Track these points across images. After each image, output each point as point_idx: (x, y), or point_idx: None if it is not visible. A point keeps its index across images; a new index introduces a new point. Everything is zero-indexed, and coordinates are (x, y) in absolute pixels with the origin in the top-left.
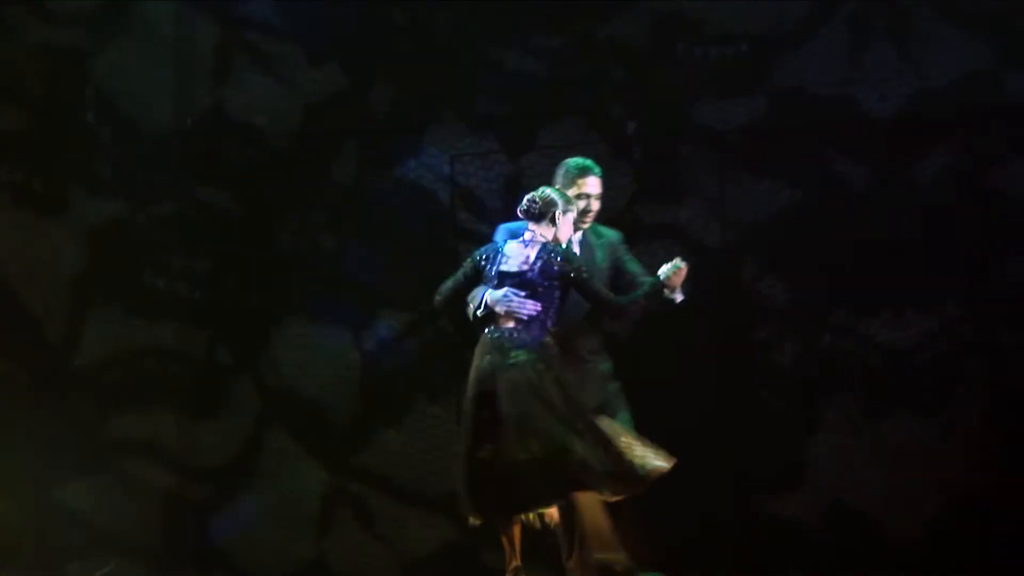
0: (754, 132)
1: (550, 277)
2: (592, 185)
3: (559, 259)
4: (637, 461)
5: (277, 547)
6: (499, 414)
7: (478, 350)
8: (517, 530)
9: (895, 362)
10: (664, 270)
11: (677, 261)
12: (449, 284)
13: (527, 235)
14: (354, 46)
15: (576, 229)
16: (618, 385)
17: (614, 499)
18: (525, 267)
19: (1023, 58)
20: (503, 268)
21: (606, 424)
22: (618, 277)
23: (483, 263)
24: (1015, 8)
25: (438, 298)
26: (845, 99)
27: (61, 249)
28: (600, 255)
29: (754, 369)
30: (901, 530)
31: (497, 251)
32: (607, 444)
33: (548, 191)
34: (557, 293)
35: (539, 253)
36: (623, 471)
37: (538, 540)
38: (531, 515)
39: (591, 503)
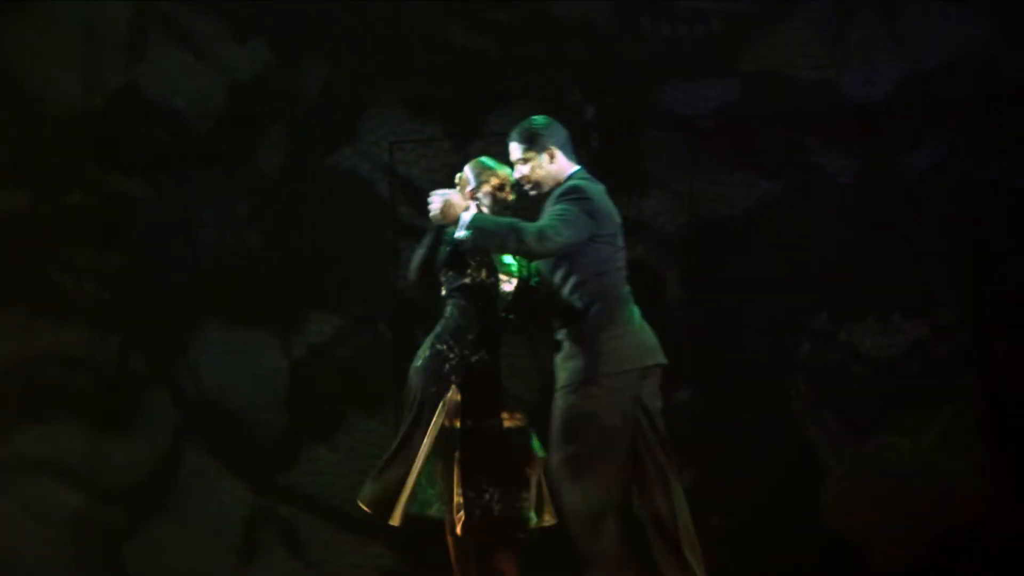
0: (727, 118)
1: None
2: (512, 151)
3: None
4: None
5: (194, 574)
6: None
7: None
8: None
9: (881, 373)
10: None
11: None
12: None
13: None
14: (283, 20)
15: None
16: None
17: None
18: None
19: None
20: None
21: None
22: None
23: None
24: None
25: (410, 274)
26: (827, 83)
27: None
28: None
29: (724, 381)
30: (888, 561)
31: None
32: None
33: (478, 159)
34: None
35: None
36: None
37: None
38: None
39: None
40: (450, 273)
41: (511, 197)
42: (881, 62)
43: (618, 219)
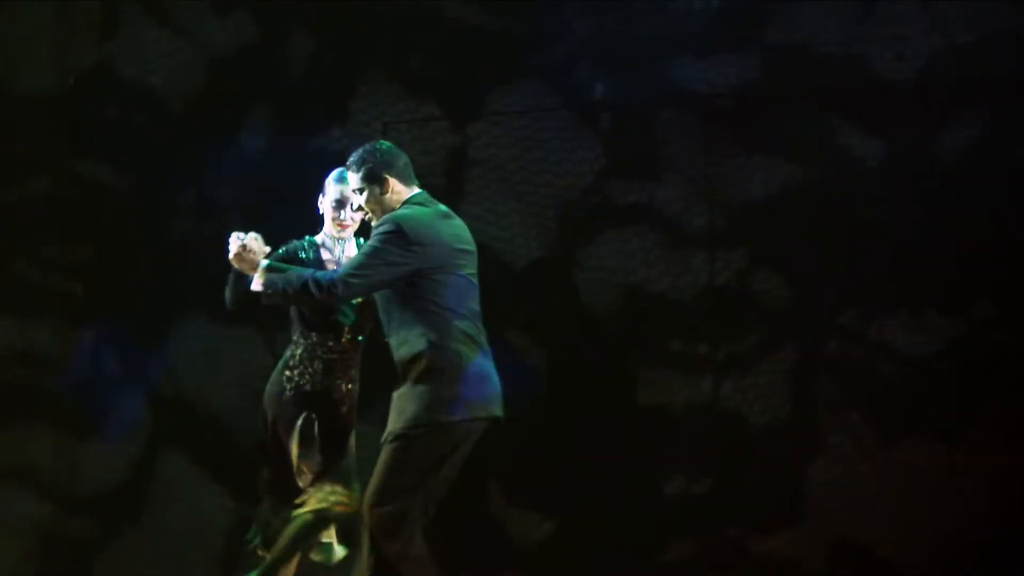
0: (746, 97)
1: None
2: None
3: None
4: None
5: None
6: None
7: None
8: None
9: (913, 373)
10: None
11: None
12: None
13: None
14: None
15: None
16: None
17: None
18: None
19: None
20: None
21: None
22: None
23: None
24: None
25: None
26: (854, 59)
27: None
28: None
29: (745, 381)
30: (915, 572)
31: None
32: None
33: None
34: None
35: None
36: None
37: None
38: None
39: None
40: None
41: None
42: (912, 37)
43: (465, 247)
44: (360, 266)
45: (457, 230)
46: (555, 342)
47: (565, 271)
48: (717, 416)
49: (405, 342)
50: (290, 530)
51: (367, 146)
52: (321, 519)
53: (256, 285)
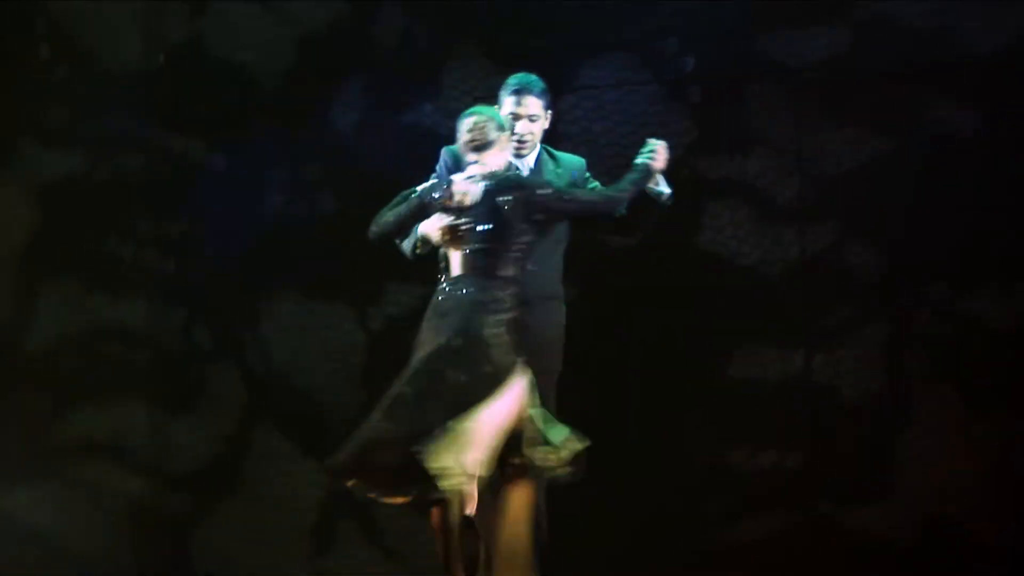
0: (836, 69)
1: (529, 213)
2: (530, 106)
3: (532, 187)
4: None
5: (267, 566)
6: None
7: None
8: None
9: (1003, 346)
10: (641, 157)
11: (650, 142)
12: (390, 216)
13: (474, 169)
14: None
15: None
16: None
17: None
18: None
19: None
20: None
21: None
22: None
23: (432, 198)
24: None
25: (374, 229)
26: (945, 29)
27: (8, 211)
28: (561, 185)
29: (836, 354)
30: (1007, 546)
31: (446, 185)
32: None
33: (484, 113)
34: (528, 237)
35: (499, 186)
36: None
37: None
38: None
39: None
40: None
41: None
42: (1005, 5)
43: None
44: None
45: None
46: (645, 316)
47: (656, 246)
48: (808, 390)
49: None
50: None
51: (533, 76)
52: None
53: (666, 189)
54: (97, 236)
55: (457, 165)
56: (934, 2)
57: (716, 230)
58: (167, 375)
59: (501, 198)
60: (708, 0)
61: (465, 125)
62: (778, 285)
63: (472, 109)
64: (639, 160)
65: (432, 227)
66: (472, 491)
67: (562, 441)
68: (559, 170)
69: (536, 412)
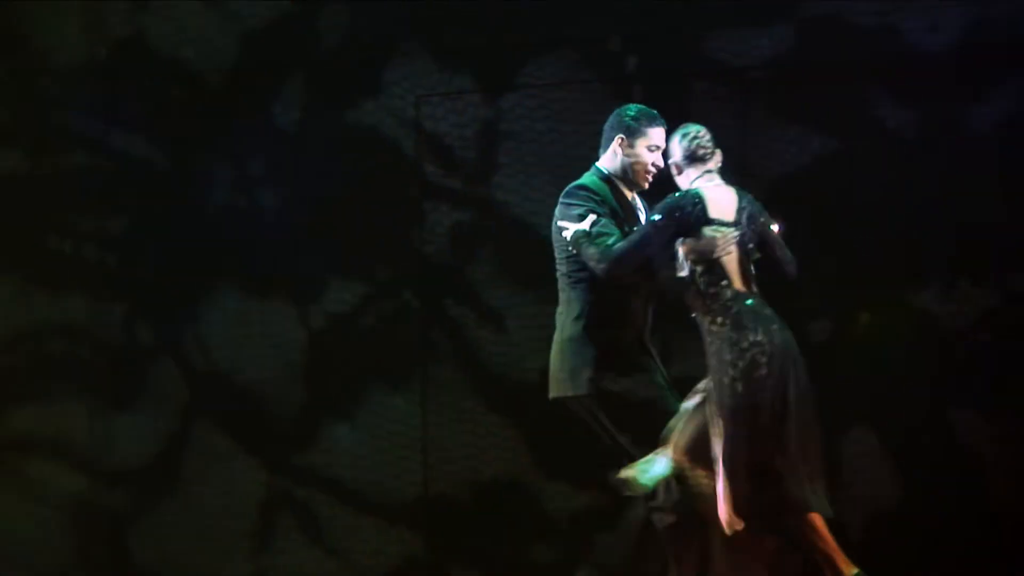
0: (779, 68)
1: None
2: (663, 139)
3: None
4: None
5: (207, 563)
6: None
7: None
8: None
9: (947, 344)
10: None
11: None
12: (632, 247)
13: (710, 178)
14: None
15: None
16: None
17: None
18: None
19: None
20: (716, 216)
21: None
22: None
23: (684, 214)
24: None
25: (618, 268)
26: (889, 29)
27: None
28: None
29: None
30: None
31: (697, 197)
32: None
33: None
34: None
35: (742, 199)
36: None
37: None
38: None
39: None
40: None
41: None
42: (947, 6)
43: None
44: None
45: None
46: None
47: None
48: None
49: None
50: None
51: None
52: None
53: None
54: (38, 233)
55: (611, 193)
56: (876, 2)
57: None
58: (108, 372)
59: (754, 211)
60: None
61: (689, 136)
62: None
63: (686, 125)
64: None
65: (707, 243)
66: None
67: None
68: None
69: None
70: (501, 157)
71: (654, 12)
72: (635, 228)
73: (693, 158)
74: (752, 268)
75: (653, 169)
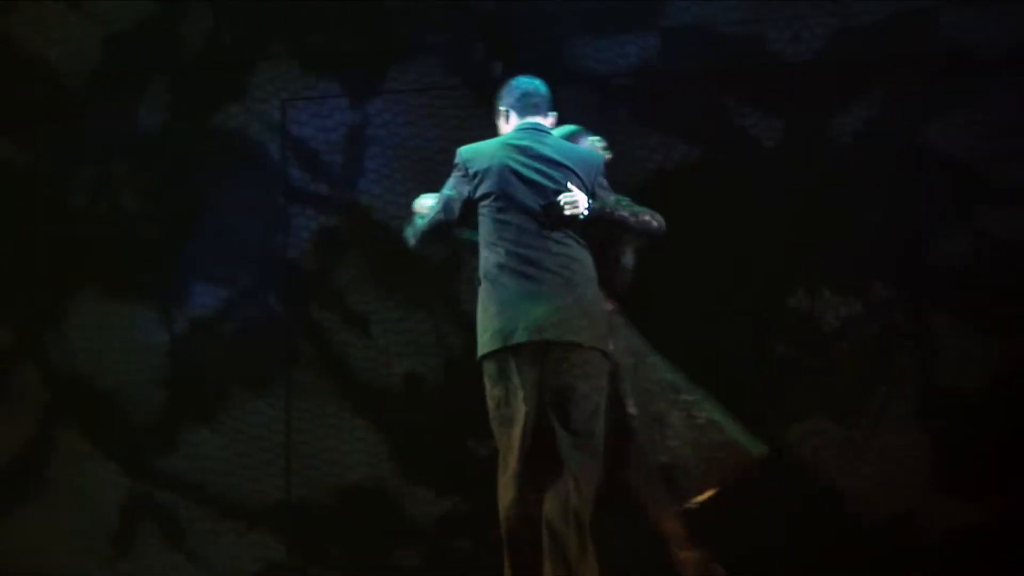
0: (643, 76)
1: None
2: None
3: None
4: None
5: (67, 568)
6: None
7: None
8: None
9: (811, 352)
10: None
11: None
12: None
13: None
14: None
15: None
16: None
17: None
18: None
19: None
20: None
21: None
22: None
23: None
24: None
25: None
26: (752, 39)
27: None
28: None
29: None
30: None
31: None
32: None
33: None
34: None
35: None
36: None
37: None
38: None
39: None
40: None
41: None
42: (810, 17)
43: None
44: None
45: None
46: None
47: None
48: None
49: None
50: None
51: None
52: None
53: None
54: None
55: None
56: (741, 11)
57: None
58: None
59: None
60: (517, 3)
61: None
62: None
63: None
64: None
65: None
66: None
67: None
68: None
69: None
70: (366, 162)
71: (519, 18)
72: None
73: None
74: None
75: None
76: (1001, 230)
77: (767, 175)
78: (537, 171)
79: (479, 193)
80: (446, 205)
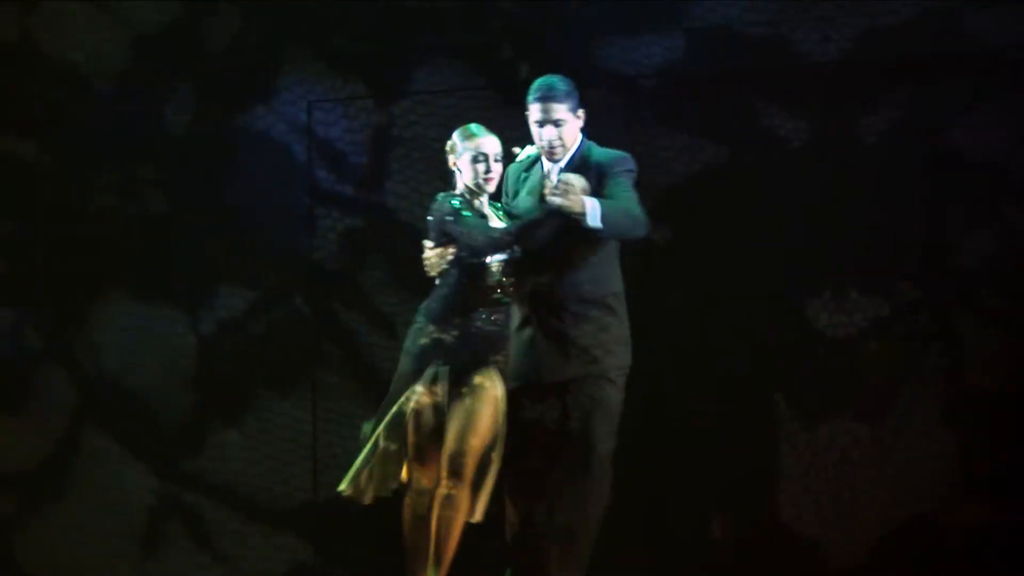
0: (670, 77)
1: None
2: (554, 111)
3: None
4: None
5: (95, 569)
6: None
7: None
8: None
9: (837, 353)
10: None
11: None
12: None
13: None
14: None
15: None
16: None
17: None
18: None
19: None
20: None
21: None
22: None
23: None
24: None
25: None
26: (779, 40)
27: None
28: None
29: (665, 364)
30: (842, 555)
31: None
32: None
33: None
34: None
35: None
36: None
37: None
38: None
39: None
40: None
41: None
42: (836, 18)
43: None
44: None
45: None
46: None
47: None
48: (632, 401)
49: (599, 280)
50: None
51: (557, 77)
52: None
53: (595, 222)
54: None
55: None
56: (767, 12)
57: None
58: None
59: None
60: (543, 4)
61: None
62: None
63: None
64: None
65: None
66: None
67: None
68: (587, 172)
69: None
70: (392, 163)
71: (546, 19)
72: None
73: None
74: None
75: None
76: None
77: (794, 176)
78: None
79: None
80: None
